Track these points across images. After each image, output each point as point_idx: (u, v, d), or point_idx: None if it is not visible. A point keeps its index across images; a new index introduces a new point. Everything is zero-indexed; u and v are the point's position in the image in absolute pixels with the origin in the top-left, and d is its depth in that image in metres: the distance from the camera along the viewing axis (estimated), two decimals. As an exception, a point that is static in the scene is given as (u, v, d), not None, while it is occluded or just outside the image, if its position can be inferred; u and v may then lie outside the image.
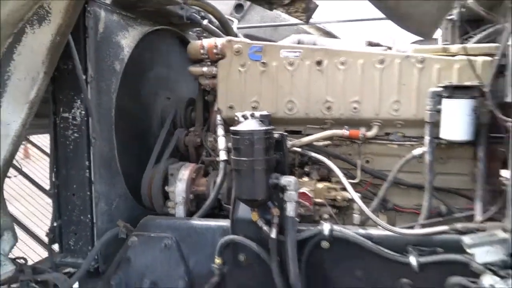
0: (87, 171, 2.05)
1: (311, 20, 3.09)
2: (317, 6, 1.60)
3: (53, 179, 2.11)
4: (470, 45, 1.97)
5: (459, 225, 1.68)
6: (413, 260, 1.69)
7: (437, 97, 1.78)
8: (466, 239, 1.46)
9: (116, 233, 2.10)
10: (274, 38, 3.37)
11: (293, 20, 3.00)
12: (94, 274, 2.11)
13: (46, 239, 2.24)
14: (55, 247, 2.21)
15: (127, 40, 2.22)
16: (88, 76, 1.99)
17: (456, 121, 1.74)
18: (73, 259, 2.12)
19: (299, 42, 2.46)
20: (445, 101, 1.77)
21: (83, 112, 2.02)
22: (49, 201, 2.35)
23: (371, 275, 1.82)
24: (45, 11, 1.64)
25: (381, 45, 2.33)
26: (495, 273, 1.42)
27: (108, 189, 2.13)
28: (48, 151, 2.27)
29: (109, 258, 2.11)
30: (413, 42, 3.21)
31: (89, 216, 2.07)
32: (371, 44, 2.28)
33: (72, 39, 1.87)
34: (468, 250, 1.45)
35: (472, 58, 1.83)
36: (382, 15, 2.55)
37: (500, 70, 1.71)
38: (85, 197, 2.06)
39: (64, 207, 2.11)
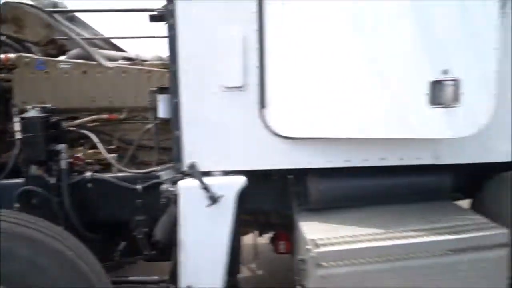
0: None
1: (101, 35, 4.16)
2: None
3: None
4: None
5: (165, 166, 2.97)
6: (139, 186, 2.91)
7: (154, 93, 3.02)
8: (158, 168, 2.76)
9: None
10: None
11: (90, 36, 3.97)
12: None
13: None
14: None
15: None
16: None
17: (162, 106, 3.00)
18: None
19: (79, 54, 3.51)
20: (159, 96, 3.01)
21: None
22: None
23: (118, 201, 2.95)
24: None
25: (134, 59, 3.54)
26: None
27: None
28: None
29: None
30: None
31: None
32: (125, 58, 3.47)
33: None
34: (158, 174, 2.74)
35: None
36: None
37: None
38: None
39: None
